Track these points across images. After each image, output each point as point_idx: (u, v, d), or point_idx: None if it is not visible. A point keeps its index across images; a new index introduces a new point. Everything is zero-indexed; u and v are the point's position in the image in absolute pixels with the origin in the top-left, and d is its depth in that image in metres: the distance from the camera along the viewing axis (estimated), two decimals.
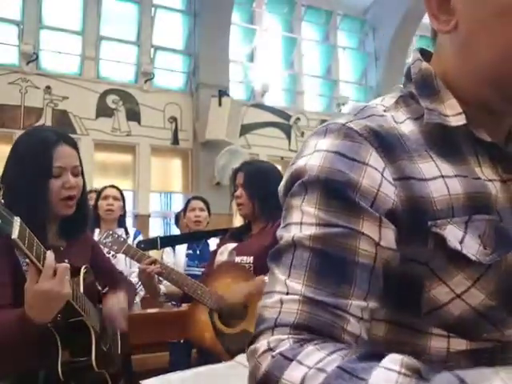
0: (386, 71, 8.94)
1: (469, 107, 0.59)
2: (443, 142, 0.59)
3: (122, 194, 3.26)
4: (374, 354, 0.43)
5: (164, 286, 2.23)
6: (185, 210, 3.38)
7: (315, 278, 0.51)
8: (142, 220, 6.92)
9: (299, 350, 0.46)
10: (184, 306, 2.62)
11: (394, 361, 0.41)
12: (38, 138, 1.32)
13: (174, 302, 2.83)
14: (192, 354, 2.74)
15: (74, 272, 1.27)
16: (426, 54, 0.65)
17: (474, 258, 0.54)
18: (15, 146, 1.33)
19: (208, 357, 1.96)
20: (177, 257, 3.13)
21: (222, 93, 7.10)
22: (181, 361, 2.70)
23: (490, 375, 0.36)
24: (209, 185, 7.06)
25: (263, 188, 1.95)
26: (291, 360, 0.45)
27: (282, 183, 0.61)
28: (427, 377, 0.39)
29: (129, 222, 4.60)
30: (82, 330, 1.28)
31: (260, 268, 1.83)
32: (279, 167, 2.30)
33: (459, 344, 0.55)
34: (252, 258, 1.91)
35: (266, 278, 0.58)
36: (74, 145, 1.36)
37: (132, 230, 3.41)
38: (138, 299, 2.99)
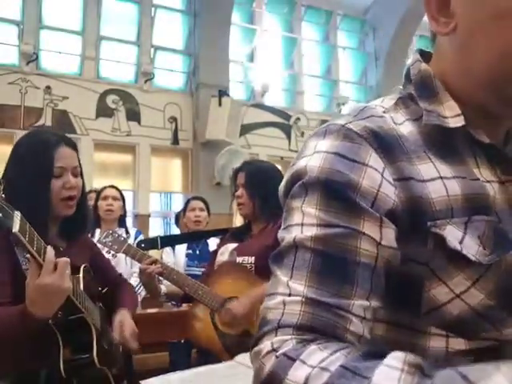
0: (386, 71, 8.94)
1: (467, 109, 0.59)
2: (442, 143, 0.59)
3: (121, 194, 3.26)
4: (377, 352, 0.44)
5: (165, 286, 2.24)
6: (184, 210, 3.39)
7: (317, 278, 0.51)
8: (142, 220, 6.92)
9: (302, 350, 0.46)
10: (184, 306, 2.62)
11: (396, 358, 0.42)
12: (38, 140, 1.34)
13: (174, 302, 2.84)
14: (192, 353, 2.74)
15: (74, 271, 1.28)
16: (425, 55, 0.66)
17: (473, 258, 0.54)
18: (16, 148, 1.35)
19: (208, 357, 1.96)
20: (176, 257, 3.14)
21: (222, 93, 7.10)
22: (181, 361, 2.70)
23: (492, 370, 0.37)
24: (209, 185, 7.05)
25: (264, 188, 1.95)
26: (294, 360, 0.45)
27: (282, 184, 0.61)
28: (430, 373, 0.39)
29: (129, 221, 4.59)
30: (82, 327, 1.29)
31: (261, 268, 1.83)
32: (279, 167, 2.30)
33: (458, 344, 0.56)
34: (253, 258, 1.91)
35: None
36: (73, 146, 1.39)
37: (133, 231, 3.41)
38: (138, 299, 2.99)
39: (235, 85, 7.95)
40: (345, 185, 0.54)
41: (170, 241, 3.01)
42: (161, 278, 2.08)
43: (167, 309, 3.07)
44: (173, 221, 5.01)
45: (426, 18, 0.61)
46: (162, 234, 6.43)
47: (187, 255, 3.14)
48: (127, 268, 3.04)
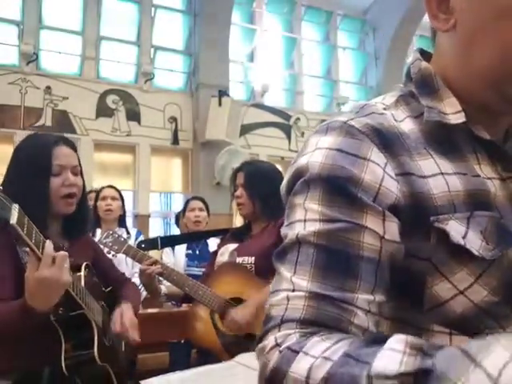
0: (386, 71, 8.95)
1: (468, 105, 0.59)
2: (443, 139, 0.59)
3: (120, 194, 3.25)
4: (381, 338, 0.43)
5: (165, 287, 2.23)
6: (184, 210, 3.39)
7: (321, 273, 0.51)
8: (142, 220, 6.92)
9: (305, 342, 0.46)
10: (184, 306, 2.62)
11: (398, 341, 0.41)
12: (37, 140, 1.38)
13: (174, 302, 2.83)
14: (192, 353, 2.73)
15: (75, 269, 1.29)
16: (425, 55, 0.66)
17: (477, 253, 0.54)
18: (16, 151, 1.37)
19: (208, 357, 1.95)
20: (176, 257, 3.14)
21: (222, 93, 7.10)
22: (181, 361, 2.69)
23: (492, 343, 0.37)
24: (209, 185, 7.06)
25: (263, 188, 1.94)
26: (298, 352, 0.45)
27: (284, 182, 0.61)
28: (431, 353, 0.39)
29: (129, 222, 4.59)
30: (83, 323, 1.30)
31: (261, 268, 1.83)
32: (279, 167, 2.30)
33: (461, 341, 0.55)
34: (253, 258, 1.91)
35: None
36: (72, 146, 1.41)
37: (133, 231, 3.41)
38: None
39: (235, 85, 7.95)
40: (347, 180, 0.54)
41: (170, 241, 3.01)
42: (161, 278, 2.07)
43: (167, 309, 3.07)
44: (173, 221, 5.01)
45: (426, 18, 0.61)
46: (162, 235, 6.44)
47: (187, 255, 3.14)
48: (128, 268, 3.03)
